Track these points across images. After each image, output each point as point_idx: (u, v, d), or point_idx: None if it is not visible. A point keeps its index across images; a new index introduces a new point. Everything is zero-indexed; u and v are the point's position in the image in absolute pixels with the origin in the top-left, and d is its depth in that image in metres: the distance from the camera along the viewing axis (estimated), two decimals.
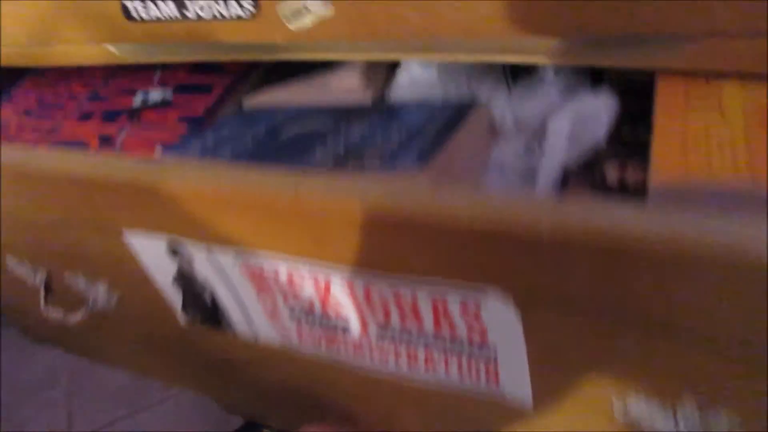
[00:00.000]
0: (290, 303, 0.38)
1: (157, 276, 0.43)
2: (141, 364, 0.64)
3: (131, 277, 0.45)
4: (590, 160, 0.35)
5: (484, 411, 0.38)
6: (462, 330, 0.32)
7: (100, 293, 0.49)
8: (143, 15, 0.42)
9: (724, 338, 0.25)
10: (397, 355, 0.37)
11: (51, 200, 0.42)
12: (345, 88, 0.42)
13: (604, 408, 0.32)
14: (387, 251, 0.31)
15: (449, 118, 0.36)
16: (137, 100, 0.49)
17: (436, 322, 0.33)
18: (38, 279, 0.51)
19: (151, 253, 0.41)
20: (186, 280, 0.42)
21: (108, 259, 0.45)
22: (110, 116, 0.48)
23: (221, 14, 0.40)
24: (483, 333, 0.32)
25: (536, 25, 0.31)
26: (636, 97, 0.36)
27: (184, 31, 0.41)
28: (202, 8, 0.40)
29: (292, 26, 0.38)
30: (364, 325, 0.36)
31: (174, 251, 0.40)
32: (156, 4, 0.41)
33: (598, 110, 0.33)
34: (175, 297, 0.45)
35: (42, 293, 0.51)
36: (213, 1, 0.39)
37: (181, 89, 0.49)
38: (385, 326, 0.36)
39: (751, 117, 0.28)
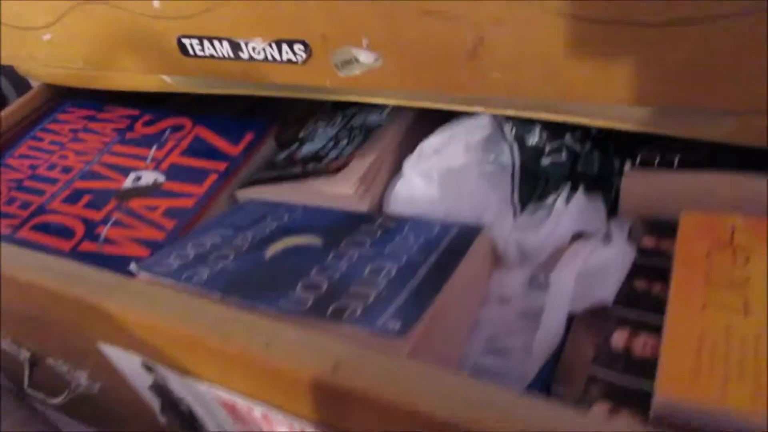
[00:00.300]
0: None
1: (133, 381, 0.41)
2: None
3: (110, 374, 0.42)
4: (597, 309, 0.31)
5: None
6: None
7: (82, 379, 0.47)
8: (198, 52, 0.43)
9: None
10: None
11: (26, 299, 0.40)
12: (341, 194, 0.39)
13: None
14: (357, 418, 0.28)
15: (447, 250, 0.33)
16: (128, 181, 0.47)
17: None
18: (23, 357, 0.50)
19: (126, 363, 0.39)
20: (162, 390, 0.40)
21: (86, 357, 0.43)
22: (99, 201, 0.46)
23: (274, 58, 0.41)
24: None
25: (621, 93, 0.31)
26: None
27: (238, 70, 0.43)
28: (255, 50, 0.41)
29: (342, 74, 0.39)
30: None
31: (148, 367, 0.37)
32: (212, 43, 0.42)
33: (609, 265, 0.30)
34: (153, 401, 0.42)
35: (26, 373, 0.49)
36: (267, 46, 0.40)
37: (174, 172, 0.47)
38: None
39: None
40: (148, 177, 0.47)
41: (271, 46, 0.40)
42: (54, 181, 0.49)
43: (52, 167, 0.51)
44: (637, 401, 0.25)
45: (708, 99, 0.30)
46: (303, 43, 0.39)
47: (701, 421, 0.23)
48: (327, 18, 0.37)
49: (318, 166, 0.41)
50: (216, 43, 0.42)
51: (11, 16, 0.52)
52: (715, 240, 0.28)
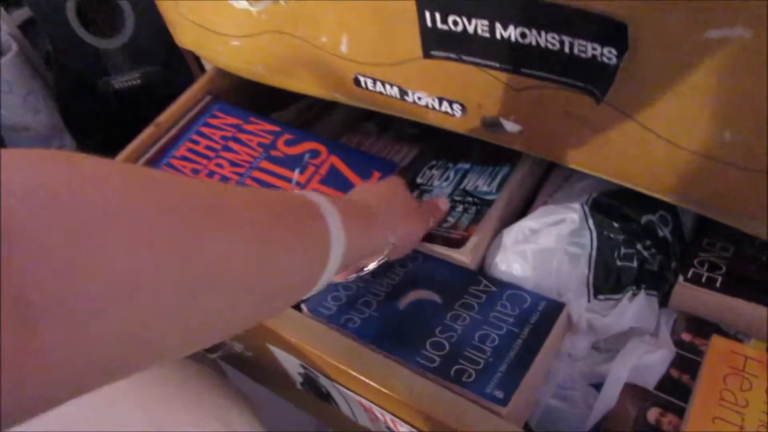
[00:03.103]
0: (389, 427, 0.50)
1: (287, 366, 0.56)
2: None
3: (266, 355, 0.58)
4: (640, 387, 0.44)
5: None
6: None
7: (237, 347, 0.63)
8: (370, 87, 0.54)
9: None
10: None
11: None
12: (460, 260, 0.51)
13: None
14: None
15: (537, 323, 0.46)
16: None
17: None
18: None
19: (286, 359, 0.53)
20: (309, 379, 0.55)
21: (248, 341, 0.58)
22: None
23: (434, 107, 0.51)
24: None
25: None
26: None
27: (400, 107, 0.54)
28: (420, 99, 0.51)
29: (488, 132, 0.50)
30: None
31: (305, 367, 0.52)
32: (383, 85, 0.53)
33: (656, 362, 0.42)
34: (297, 378, 0.58)
35: None
36: (431, 99, 0.51)
37: None
38: None
39: None
40: None
41: (434, 99, 0.51)
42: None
43: (211, 174, 0.63)
44: None
45: None
46: (461, 104, 0.50)
47: None
48: (486, 93, 0.47)
49: (441, 233, 0.52)
50: (387, 85, 0.53)
51: (203, 19, 0.62)
52: (731, 365, 0.40)
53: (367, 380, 0.44)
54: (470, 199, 0.55)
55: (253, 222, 0.31)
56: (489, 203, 0.54)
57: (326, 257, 0.36)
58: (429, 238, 0.52)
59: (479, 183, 0.56)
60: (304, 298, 0.42)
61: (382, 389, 0.43)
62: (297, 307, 0.50)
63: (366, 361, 0.44)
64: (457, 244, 0.51)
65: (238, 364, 0.71)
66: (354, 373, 0.44)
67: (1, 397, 0.19)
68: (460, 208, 0.54)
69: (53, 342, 0.21)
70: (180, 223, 0.26)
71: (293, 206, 0.36)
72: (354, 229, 0.39)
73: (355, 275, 0.48)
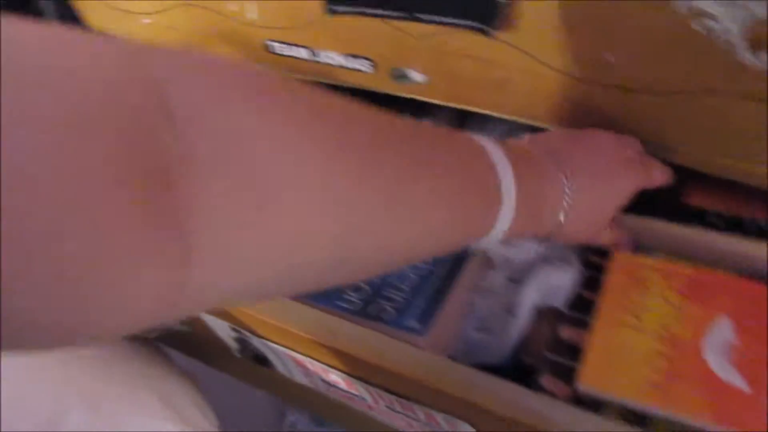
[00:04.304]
0: (322, 379, 0.51)
1: (220, 333, 0.56)
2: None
3: (200, 325, 0.58)
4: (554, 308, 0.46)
5: None
6: (445, 427, 0.46)
7: (174, 323, 0.63)
8: (281, 52, 0.56)
9: None
10: (399, 421, 0.51)
11: None
12: None
13: None
14: (394, 384, 0.44)
15: (454, 260, 0.47)
16: None
17: (428, 418, 0.46)
18: None
19: (217, 324, 0.54)
20: (243, 342, 0.55)
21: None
22: None
23: (344, 66, 0.53)
24: None
25: None
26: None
27: (313, 69, 0.55)
28: (330, 58, 0.53)
29: (398, 84, 0.51)
30: (375, 402, 0.50)
31: (235, 329, 0.52)
32: (294, 49, 0.55)
33: (564, 282, 0.44)
34: (233, 345, 0.58)
35: None
36: (340, 57, 0.53)
37: None
38: (391, 407, 0.49)
39: (664, 330, 0.39)
40: None
41: (343, 57, 0.52)
42: None
43: None
44: (570, 375, 0.41)
45: None
46: (369, 59, 0.51)
47: (604, 398, 0.38)
48: (390, 45, 0.49)
49: None
50: (297, 48, 0.54)
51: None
52: (632, 276, 0.42)
53: (290, 329, 0.45)
54: None
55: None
56: None
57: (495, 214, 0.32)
58: None
59: None
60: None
61: (305, 335, 0.44)
62: None
63: (288, 311, 0.45)
64: None
65: (178, 344, 0.70)
66: (277, 324, 0.45)
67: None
68: None
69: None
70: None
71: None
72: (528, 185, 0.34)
73: None
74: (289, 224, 0.22)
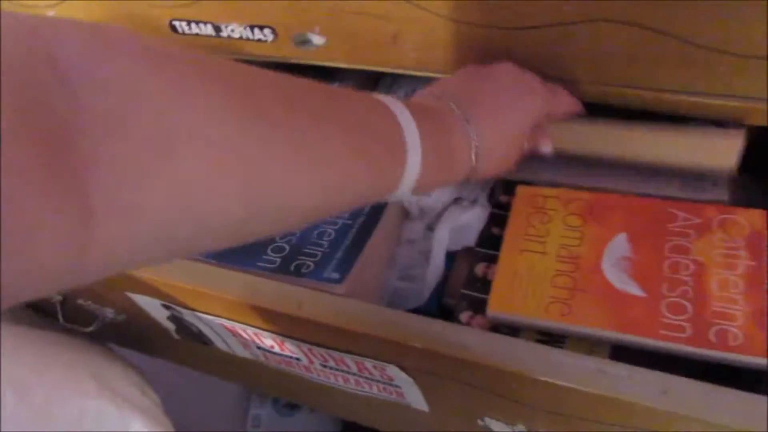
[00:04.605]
0: (258, 345, 0.52)
1: (153, 314, 0.57)
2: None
3: (134, 310, 0.58)
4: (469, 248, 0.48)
5: (399, 410, 0.54)
6: (376, 375, 0.47)
7: (108, 314, 0.63)
8: (186, 30, 0.55)
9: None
10: (335, 377, 0.52)
11: None
12: None
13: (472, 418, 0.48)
14: (320, 336, 0.45)
15: (370, 213, 0.48)
16: None
17: (359, 369, 0.47)
18: (54, 299, 0.64)
19: (148, 304, 0.54)
20: (177, 320, 0.55)
21: (113, 298, 0.58)
22: None
23: (248, 37, 0.54)
24: (390, 378, 0.46)
25: None
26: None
27: (219, 45, 0.55)
28: (233, 31, 0.54)
29: (301, 49, 0.52)
30: (310, 361, 0.51)
31: (166, 306, 0.53)
32: (198, 25, 0.55)
33: (473, 220, 0.46)
34: (169, 326, 0.58)
35: (59, 310, 0.64)
36: (242, 29, 0.53)
37: None
38: (325, 363, 0.50)
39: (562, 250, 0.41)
40: None
41: (245, 29, 0.53)
42: None
43: None
44: (485, 307, 0.42)
45: None
46: (271, 28, 0.52)
47: (514, 322, 0.40)
48: (288, 10, 0.50)
49: None
50: (201, 25, 0.54)
51: None
52: (534, 206, 0.44)
53: (215, 293, 0.45)
54: None
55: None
56: None
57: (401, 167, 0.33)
58: None
59: None
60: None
61: (230, 298, 0.45)
62: None
63: (211, 277, 0.46)
64: None
65: (118, 337, 0.70)
66: (203, 290, 0.46)
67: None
68: None
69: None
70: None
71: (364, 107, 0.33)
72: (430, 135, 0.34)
73: None
74: (190, 177, 0.23)
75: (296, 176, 0.27)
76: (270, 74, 0.29)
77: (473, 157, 0.37)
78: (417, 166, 0.33)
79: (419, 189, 0.35)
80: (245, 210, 0.26)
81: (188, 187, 0.23)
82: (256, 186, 0.26)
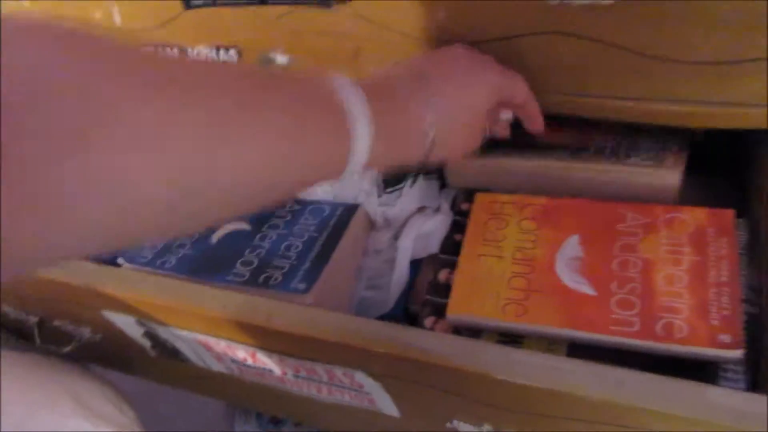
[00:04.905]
0: (232, 359, 0.53)
1: (129, 332, 0.57)
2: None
3: (110, 329, 0.59)
4: (433, 255, 0.49)
5: (373, 417, 0.55)
6: (347, 383, 0.48)
7: (85, 334, 0.63)
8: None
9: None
10: (308, 387, 0.53)
11: (41, 287, 0.55)
12: None
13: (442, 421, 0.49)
14: (290, 347, 0.46)
15: (336, 225, 0.50)
16: None
17: (330, 377, 0.48)
18: (31, 322, 0.65)
19: (124, 321, 0.55)
20: (152, 336, 0.56)
21: (89, 318, 0.59)
22: None
23: (215, 60, 0.55)
24: (360, 385, 0.48)
25: None
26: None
27: None
28: (199, 54, 0.55)
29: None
30: (283, 372, 0.52)
31: (141, 323, 0.54)
32: (164, 50, 0.56)
33: (436, 228, 0.48)
34: (145, 343, 0.59)
35: (36, 332, 0.65)
36: (209, 51, 0.55)
37: None
38: (296, 374, 0.51)
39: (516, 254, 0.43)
40: None
41: (211, 51, 0.55)
42: None
43: None
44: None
45: None
46: (236, 48, 0.54)
47: (473, 324, 0.42)
48: (251, 30, 0.52)
49: None
50: (167, 49, 0.56)
51: None
52: (491, 212, 0.46)
53: (182, 307, 0.46)
54: None
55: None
56: None
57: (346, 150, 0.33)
58: None
59: None
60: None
61: (197, 311, 0.46)
62: (113, 261, 0.52)
63: (180, 291, 0.47)
64: None
65: (97, 357, 0.71)
66: (171, 305, 0.47)
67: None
68: None
69: None
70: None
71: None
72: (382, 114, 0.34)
73: None
74: (109, 162, 0.22)
75: (222, 159, 0.27)
76: (204, 63, 0.30)
77: (432, 134, 0.38)
78: (366, 146, 0.33)
79: (375, 167, 0.36)
80: (171, 195, 0.26)
81: (109, 174, 0.23)
82: (180, 170, 0.25)
